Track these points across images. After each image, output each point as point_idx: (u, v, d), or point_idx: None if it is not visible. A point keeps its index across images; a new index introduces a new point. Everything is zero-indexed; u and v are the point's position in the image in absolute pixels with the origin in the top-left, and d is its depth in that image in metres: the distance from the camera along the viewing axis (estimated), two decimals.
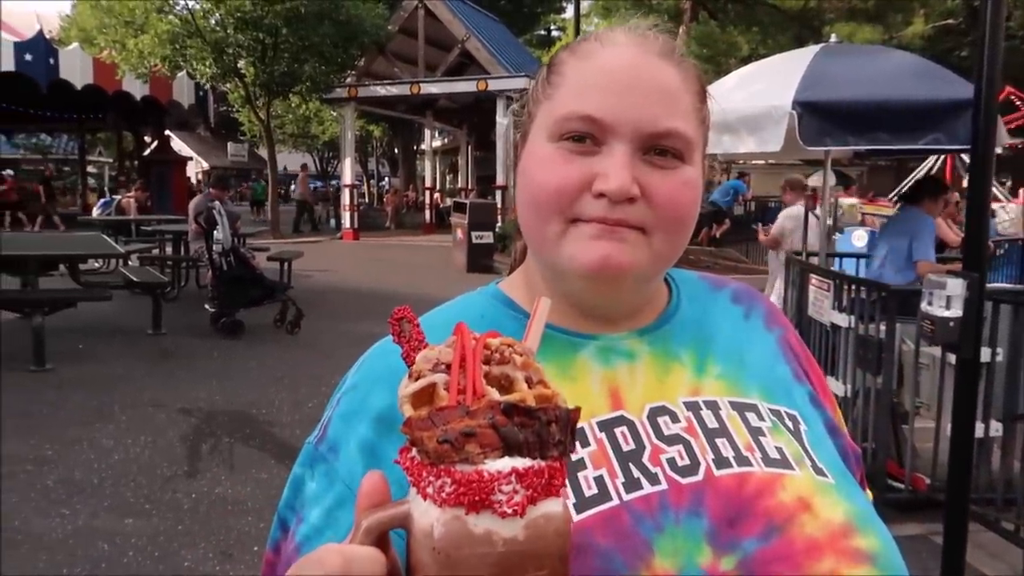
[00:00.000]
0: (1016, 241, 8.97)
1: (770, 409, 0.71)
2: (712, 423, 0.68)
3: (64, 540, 3.44)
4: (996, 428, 3.66)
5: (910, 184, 5.16)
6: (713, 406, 0.70)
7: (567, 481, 0.61)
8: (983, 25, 2.63)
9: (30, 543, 3.41)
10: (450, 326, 0.65)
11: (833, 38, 5.12)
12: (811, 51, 4.63)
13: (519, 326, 0.74)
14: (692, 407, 0.69)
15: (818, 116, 3.95)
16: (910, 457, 3.88)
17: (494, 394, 0.43)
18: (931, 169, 14.94)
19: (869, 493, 0.82)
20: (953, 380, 3.22)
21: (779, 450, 0.67)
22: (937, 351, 3.72)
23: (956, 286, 2.85)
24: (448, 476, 0.40)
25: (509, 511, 0.39)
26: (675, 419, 0.68)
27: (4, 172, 17.60)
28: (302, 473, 0.71)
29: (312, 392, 5.78)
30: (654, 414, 0.68)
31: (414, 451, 0.42)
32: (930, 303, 2.95)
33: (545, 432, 0.41)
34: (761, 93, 4.21)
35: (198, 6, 17.54)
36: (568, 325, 0.73)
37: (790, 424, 0.71)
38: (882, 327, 3.90)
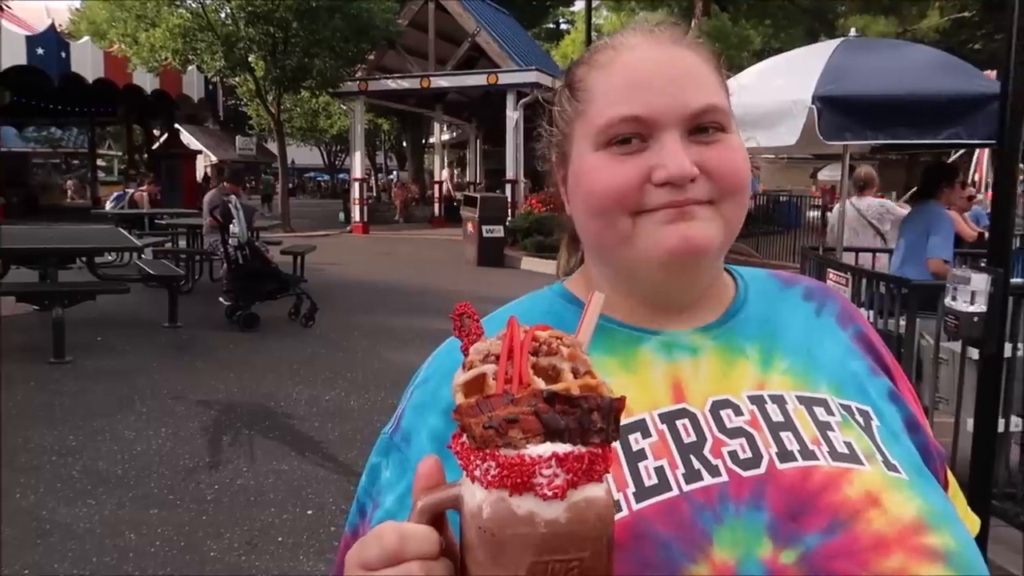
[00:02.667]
0: None
1: (840, 404, 0.70)
2: (777, 416, 0.67)
3: (92, 530, 3.49)
4: (1016, 423, 3.65)
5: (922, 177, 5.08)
6: (779, 400, 0.69)
7: (624, 469, 0.63)
8: (1010, 19, 2.63)
9: (59, 533, 3.45)
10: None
11: (852, 32, 5.09)
12: (831, 45, 4.61)
13: None
14: (756, 401, 0.68)
15: (838, 111, 3.94)
16: None
17: (540, 383, 0.44)
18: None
19: (961, 495, 0.80)
20: (973, 375, 3.23)
21: (848, 445, 0.66)
22: (956, 346, 3.72)
23: (980, 281, 2.85)
24: (493, 460, 0.42)
25: (550, 493, 0.41)
26: (738, 412, 0.67)
27: None
28: (378, 462, 0.74)
29: (328, 385, 5.81)
30: (717, 407, 0.68)
31: (464, 437, 0.44)
32: (954, 298, 2.95)
33: (586, 419, 0.43)
34: (781, 88, 4.21)
35: (209, 0, 17.57)
36: (632, 321, 0.74)
37: (861, 420, 0.69)
38: (901, 322, 3.89)
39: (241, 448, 4.59)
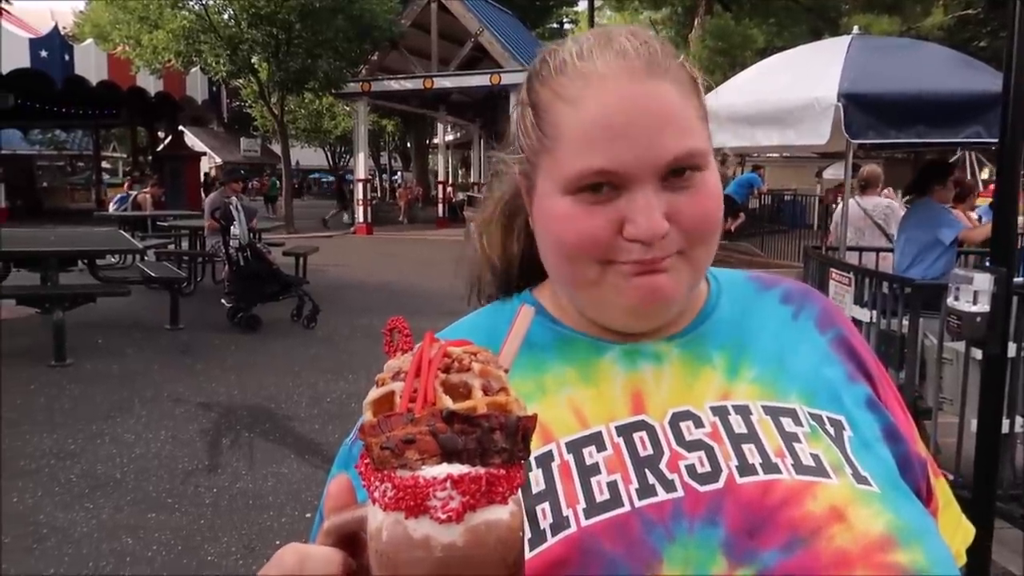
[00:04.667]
0: None
1: (810, 414, 0.67)
2: (740, 428, 0.65)
3: (89, 534, 3.48)
4: (1020, 424, 3.62)
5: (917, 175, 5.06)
6: (743, 411, 0.67)
7: (576, 484, 0.61)
8: (1013, 18, 2.59)
9: (56, 537, 3.44)
10: (478, 333, 0.64)
11: (856, 30, 5.05)
12: (842, 42, 4.56)
13: (544, 330, 0.74)
14: (719, 412, 0.67)
15: (863, 109, 3.91)
16: (933, 453, 3.83)
17: (447, 401, 0.43)
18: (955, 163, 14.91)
19: (954, 503, 0.77)
20: (977, 376, 3.19)
21: (815, 457, 0.63)
22: (960, 346, 3.69)
23: (983, 281, 2.81)
24: (389, 481, 0.41)
25: (444, 516, 0.40)
26: (699, 424, 0.65)
27: None
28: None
29: (330, 387, 5.80)
30: (677, 419, 0.66)
31: (368, 457, 0.43)
32: (956, 298, 2.92)
33: (487, 439, 0.41)
34: (794, 86, 4.17)
35: (212, 1, 17.60)
36: (595, 332, 0.73)
37: (832, 430, 0.67)
38: (904, 322, 3.86)
39: (241, 451, 4.58)
